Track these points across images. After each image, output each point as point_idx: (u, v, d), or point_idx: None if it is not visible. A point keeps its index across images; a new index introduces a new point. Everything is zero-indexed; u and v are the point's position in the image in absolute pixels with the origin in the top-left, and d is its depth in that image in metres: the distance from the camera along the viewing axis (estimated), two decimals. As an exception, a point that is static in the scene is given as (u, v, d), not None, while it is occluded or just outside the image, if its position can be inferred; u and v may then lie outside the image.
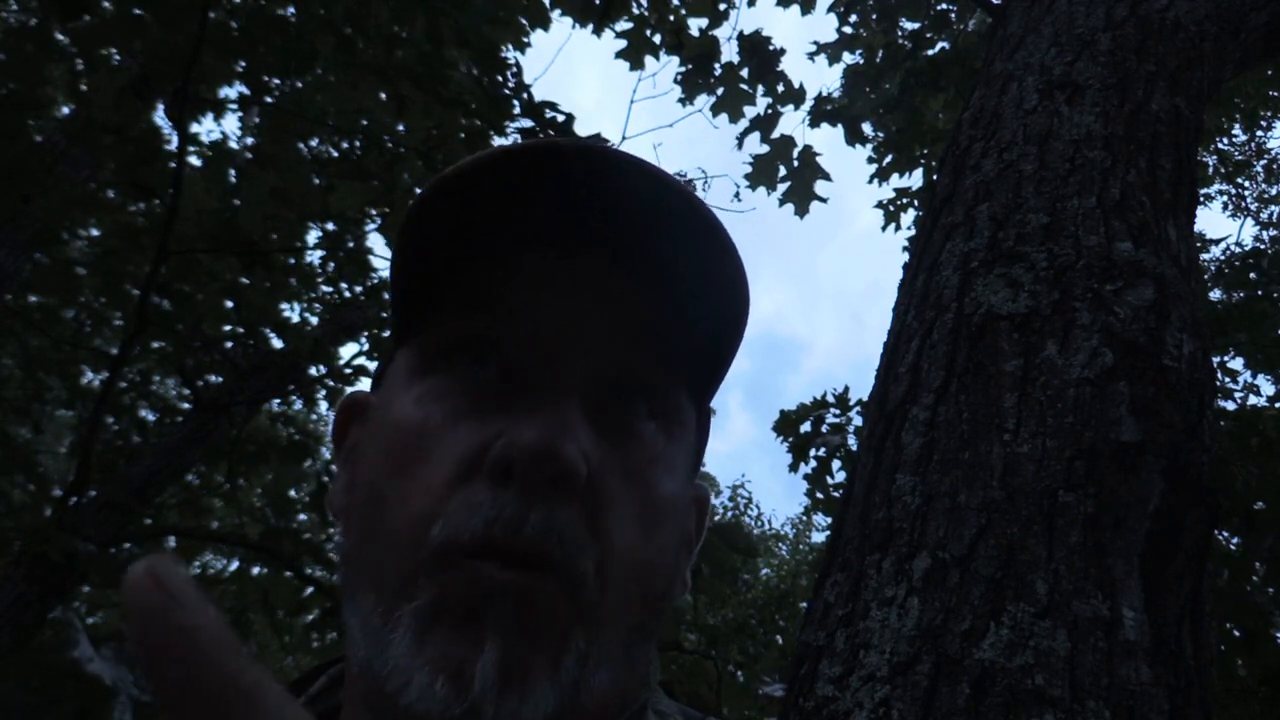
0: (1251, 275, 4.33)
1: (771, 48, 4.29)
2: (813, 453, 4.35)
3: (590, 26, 4.16)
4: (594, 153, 0.44)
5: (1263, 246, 7.04)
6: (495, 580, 0.39)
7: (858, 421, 4.36)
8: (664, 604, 0.47)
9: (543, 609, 0.40)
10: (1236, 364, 4.26)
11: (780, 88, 4.38)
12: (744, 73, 4.35)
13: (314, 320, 5.41)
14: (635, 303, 0.46)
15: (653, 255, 0.46)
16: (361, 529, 0.45)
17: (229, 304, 4.03)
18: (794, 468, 4.35)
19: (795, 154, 4.34)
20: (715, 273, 0.47)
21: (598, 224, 0.46)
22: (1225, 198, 8.13)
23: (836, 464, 4.29)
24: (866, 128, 4.72)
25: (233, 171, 3.89)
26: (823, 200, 4.28)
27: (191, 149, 3.84)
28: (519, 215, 0.46)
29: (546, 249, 0.46)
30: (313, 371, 4.93)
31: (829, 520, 5.03)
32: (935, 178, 1.88)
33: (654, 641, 0.49)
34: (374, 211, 4.12)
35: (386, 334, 4.98)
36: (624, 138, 4.51)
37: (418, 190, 3.81)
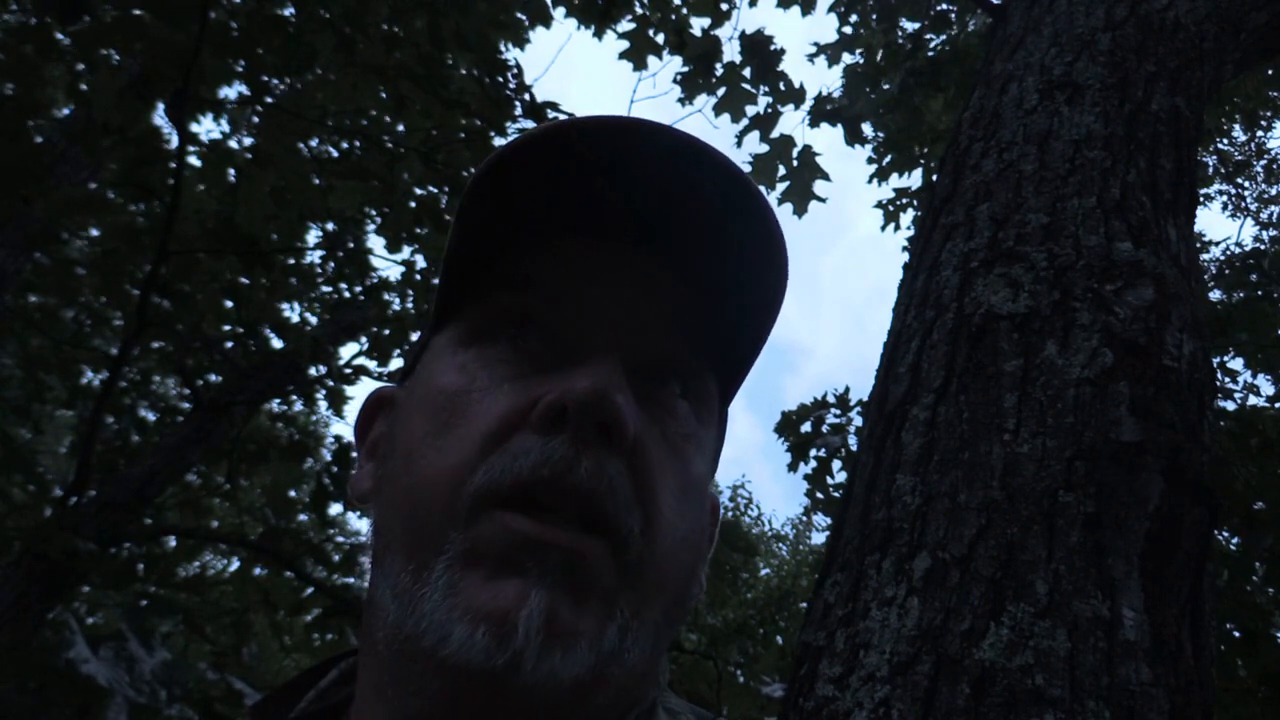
0: (1252, 275, 4.32)
1: (773, 47, 4.29)
2: (813, 453, 4.35)
3: (592, 28, 4.16)
4: (652, 132, 0.43)
5: (1263, 246, 7.04)
6: (533, 535, 0.39)
7: (858, 421, 4.36)
8: (689, 592, 0.47)
9: (591, 568, 0.40)
10: (1236, 364, 4.26)
11: (781, 87, 4.38)
12: (746, 72, 4.34)
13: (314, 320, 5.41)
14: (672, 290, 0.47)
15: (703, 254, 0.47)
16: (395, 493, 0.45)
17: (229, 304, 4.03)
18: (793, 467, 4.35)
19: (795, 153, 4.34)
20: (757, 269, 0.47)
21: (649, 212, 0.46)
22: (1225, 198, 8.14)
23: (836, 464, 4.29)
24: (866, 128, 4.72)
25: (232, 171, 3.89)
26: (822, 200, 4.29)
27: (191, 149, 3.84)
28: (565, 198, 0.46)
29: (590, 233, 0.47)
30: (313, 371, 4.93)
31: (829, 520, 5.03)
32: (935, 178, 1.89)
33: (674, 634, 0.49)
34: (373, 212, 4.13)
35: (387, 333, 4.97)
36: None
37: (417, 190, 3.82)
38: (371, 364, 4.83)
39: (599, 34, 4.19)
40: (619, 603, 0.40)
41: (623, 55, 4.16)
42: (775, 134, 4.37)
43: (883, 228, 5.15)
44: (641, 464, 0.42)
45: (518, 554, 0.39)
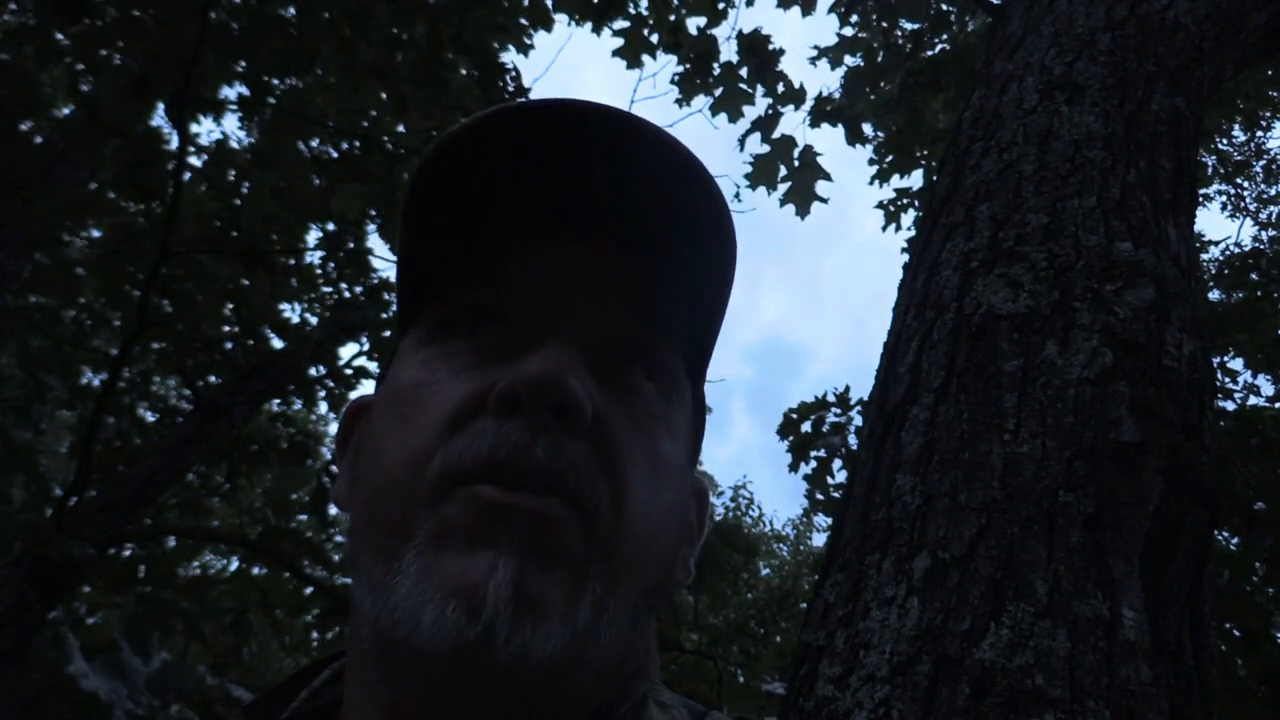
0: (1252, 275, 4.33)
1: (771, 47, 4.29)
2: (813, 453, 4.34)
3: (589, 25, 4.16)
4: (604, 117, 0.43)
5: (1262, 246, 7.03)
6: (500, 501, 0.38)
7: (858, 421, 4.36)
8: (669, 573, 0.47)
9: (559, 534, 0.39)
10: (1236, 364, 4.26)
11: (780, 87, 4.37)
12: (743, 72, 4.34)
13: (314, 320, 5.41)
14: (634, 278, 0.47)
15: (656, 235, 0.47)
16: (364, 491, 0.45)
17: (229, 307, 4.03)
18: (794, 467, 4.35)
19: (796, 154, 4.34)
20: (708, 243, 0.47)
21: (601, 196, 0.46)
22: (1225, 198, 8.14)
23: (837, 464, 4.29)
24: (867, 128, 4.72)
25: (232, 172, 3.89)
26: (824, 200, 4.28)
27: (190, 150, 3.84)
28: (520, 187, 0.46)
29: (548, 224, 0.47)
30: (313, 372, 4.93)
31: (829, 521, 5.03)
32: (935, 178, 1.89)
33: (655, 615, 0.48)
34: (374, 213, 4.13)
35: (387, 335, 4.98)
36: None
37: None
38: (372, 365, 4.83)
39: (596, 30, 4.19)
40: (590, 576, 0.40)
41: (616, 53, 4.16)
42: (776, 134, 4.37)
43: (884, 228, 5.15)
44: (605, 442, 0.42)
45: (487, 523, 0.38)
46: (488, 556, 0.38)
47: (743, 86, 4.32)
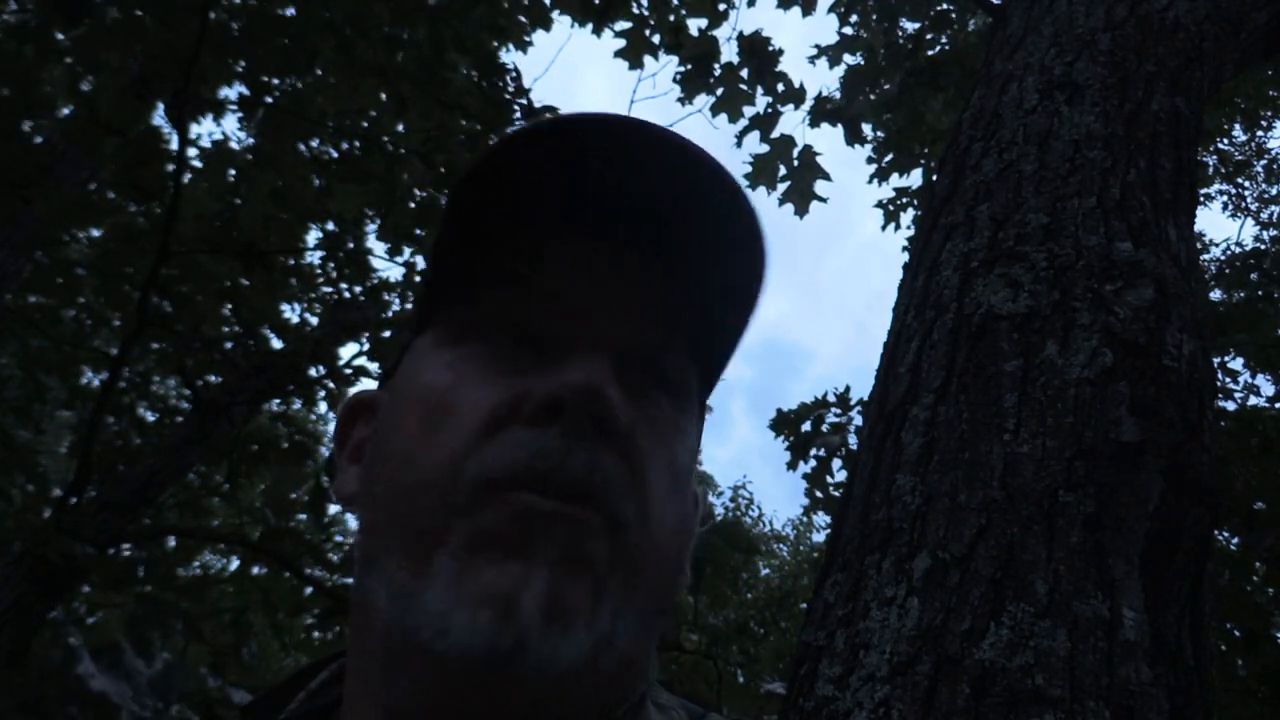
0: (1252, 275, 4.33)
1: (771, 48, 4.30)
2: (813, 452, 4.34)
3: (590, 26, 4.16)
4: (636, 129, 0.44)
5: (1263, 246, 7.04)
6: (540, 509, 0.39)
7: (858, 421, 4.36)
8: (676, 581, 0.48)
9: (589, 545, 0.40)
10: (1236, 364, 4.26)
11: (780, 87, 4.38)
12: (743, 73, 4.35)
13: (314, 320, 5.41)
14: (658, 286, 0.47)
15: (684, 245, 0.47)
16: (389, 493, 0.44)
17: (228, 307, 4.03)
18: (792, 465, 4.34)
19: (795, 154, 4.34)
20: (739, 263, 0.48)
21: (630, 206, 0.46)
22: (1225, 198, 8.14)
23: (837, 463, 4.29)
24: (866, 128, 4.72)
25: (232, 171, 3.89)
26: (822, 200, 4.28)
27: (191, 150, 3.84)
28: (551, 196, 0.46)
29: (578, 233, 0.47)
30: (313, 372, 4.93)
31: (829, 520, 5.02)
32: (935, 178, 1.89)
33: (662, 624, 0.49)
34: (373, 214, 4.13)
35: (386, 334, 4.97)
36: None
37: (417, 192, 3.82)
38: (372, 365, 4.83)
39: (597, 31, 4.19)
40: (609, 585, 0.40)
41: (618, 54, 4.16)
42: (775, 134, 4.37)
43: (883, 228, 5.15)
44: (635, 456, 0.42)
45: (525, 531, 0.39)
46: (522, 566, 0.38)
47: (743, 87, 4.33)
